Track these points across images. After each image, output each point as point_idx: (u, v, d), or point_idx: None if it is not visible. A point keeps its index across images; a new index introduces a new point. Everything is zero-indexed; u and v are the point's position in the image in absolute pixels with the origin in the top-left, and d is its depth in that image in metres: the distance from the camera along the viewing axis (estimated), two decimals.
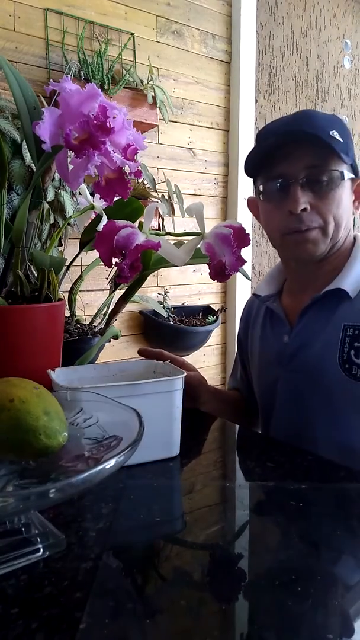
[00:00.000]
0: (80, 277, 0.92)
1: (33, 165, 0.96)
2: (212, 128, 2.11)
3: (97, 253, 0.62)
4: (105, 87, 1.66)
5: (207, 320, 1.97)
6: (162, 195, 1.81)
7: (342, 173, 0.78)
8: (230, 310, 2.19)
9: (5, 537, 0.41)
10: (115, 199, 0.67)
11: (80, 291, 0.96)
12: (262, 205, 0.86)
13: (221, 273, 0.62)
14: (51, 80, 0.62)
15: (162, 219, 1.83)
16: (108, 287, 1.28)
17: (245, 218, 2.16)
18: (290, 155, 0.77)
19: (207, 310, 2.06)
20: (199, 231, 0.65)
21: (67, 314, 0.92)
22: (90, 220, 0.83)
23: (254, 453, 0.67)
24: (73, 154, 0.59)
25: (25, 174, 1.24)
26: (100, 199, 0.69)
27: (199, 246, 0.66)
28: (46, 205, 1.25)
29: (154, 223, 1.79)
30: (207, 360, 2.18)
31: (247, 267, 2.23)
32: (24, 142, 1.24)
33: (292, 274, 0.92)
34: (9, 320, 0.64)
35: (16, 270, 0.67)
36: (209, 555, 0.43)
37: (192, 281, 2.09)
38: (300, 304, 0.86)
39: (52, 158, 0.64)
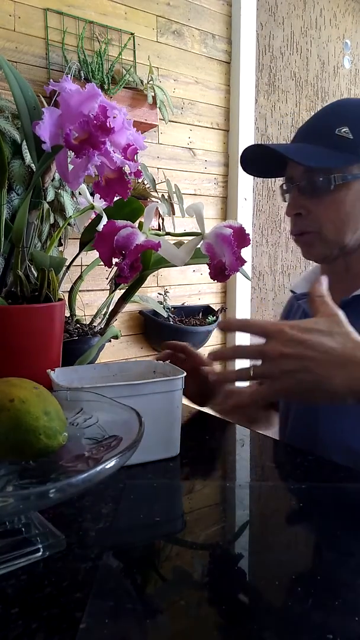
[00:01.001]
0: (80, 277, 0.92)
1: (33, 165, 0.96)
2: (212, 128, 2.11)
3: (97, 253, 0.62)
4: (105, 87, 1.66)
5: (207, 320, 1.97)
6: (162, 195, 1.81)
7: (344, 175, 0.74)
8: (230, 310, 2.19)
9: (5, 537, 0.41)
10: (115, 199, 0.67)
11: (80, 291, 0.96)
12: None
13: (221, 273, 0.62)
14: (51, 80, 0.62)
15: (162, 219, 1.83)
16: (108, 287, 1.28)
17: (245, 218, 2.17)
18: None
19: (207, 310, 2.06)
20: (199, 231, 0.65)
21: (67, 314, 0.92)
22: (90, 220, 0.83)
23: (254, 453, 0.67)
24: (73, 154, 0.59)
25: (25, 174, 1.25)
26: (100, 199, 0.69)
27: (199, 246, 0.66)
28: (46, 205, 1.24)
29: (154, 223, 1.79)
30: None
31: (247, 267, 2.23)
32: (24, 142, 1.24)
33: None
34: (9, 320, 0.64)
35: (16, 270, 0.67)
36: (209, 555, 0.43)
37: (192, 281, 2.09)
38: None
39: (52, 158, 0.64)
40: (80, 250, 0.85)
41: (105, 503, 0.50)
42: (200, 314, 2.03)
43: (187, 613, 0.35)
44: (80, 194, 0.79)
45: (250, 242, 0.63)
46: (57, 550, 0.41)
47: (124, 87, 1.70)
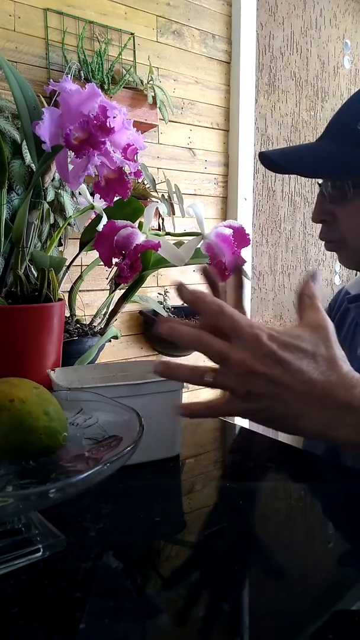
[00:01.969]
0: (80, 277, 0.92)
1: (33, 165, 0.96)
2: (212, 128, 2.11)
3: (97, 253, 0.62)
4: (105, 87, 1.66)
5: None
6: (162, 195, 1.81)
7: None
8: None
9: (5, 537, 0.41)
10: (115, 199, 0.67)
11: (80, 291, 0.96)
12: None
13: (221, 273, 0.62)
14: (51, 80, 0.62)
15: (162, 219, 1.83)
16: (108, 287, 1.28)
17: (245, 218, 2.17)
18: None
19: None
20: (199, 231, 0.65)
21: (67, 314, 0.92)
22: (90, 220, 0.83)
23: (254, 453, 0.67)
24: (73, 154, 0.59)
25: (25, 174, 1.25)
26: (100, 199, 0.69)
27: (199, 246, 0.66)
28: (46, 205, 1.25)
29: (154, 223, 1.79)
30: (208, 360, 2.17)
31: (247, 267, 2.23)
32: (24, 142, 1.24)
33: None
34: (9, 320, 0.64)
35: (16, 270, 0.67)
36: (209, 555, 0.43)
37: (192, 281, 2.09)
38: None
39: (52, 158, 0.64)
40: (80, 250, 0.85)
41: (105, 503, 0.50)
42: None
43: (187, 613, 0.35)
44: (80, 194, 0.79)
45: (250, 242, 0.64)
46: (57, 550, 0.41)
47: (124, 87, 1.70)
